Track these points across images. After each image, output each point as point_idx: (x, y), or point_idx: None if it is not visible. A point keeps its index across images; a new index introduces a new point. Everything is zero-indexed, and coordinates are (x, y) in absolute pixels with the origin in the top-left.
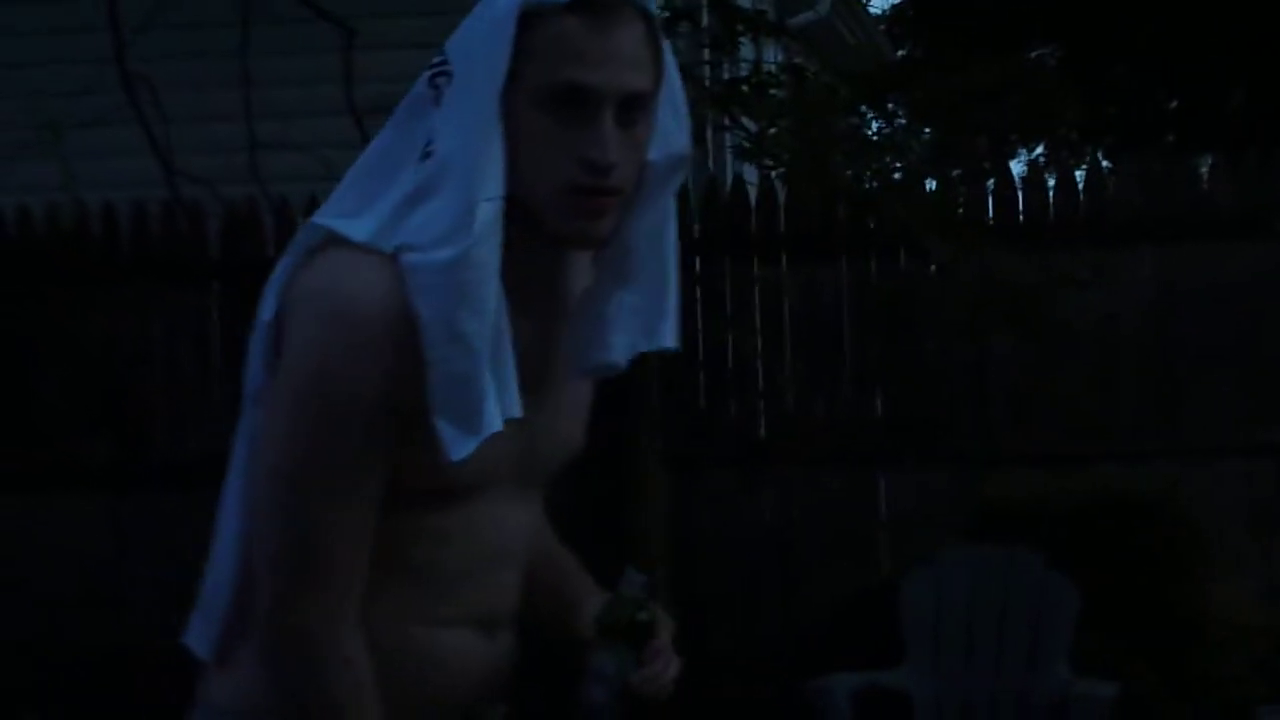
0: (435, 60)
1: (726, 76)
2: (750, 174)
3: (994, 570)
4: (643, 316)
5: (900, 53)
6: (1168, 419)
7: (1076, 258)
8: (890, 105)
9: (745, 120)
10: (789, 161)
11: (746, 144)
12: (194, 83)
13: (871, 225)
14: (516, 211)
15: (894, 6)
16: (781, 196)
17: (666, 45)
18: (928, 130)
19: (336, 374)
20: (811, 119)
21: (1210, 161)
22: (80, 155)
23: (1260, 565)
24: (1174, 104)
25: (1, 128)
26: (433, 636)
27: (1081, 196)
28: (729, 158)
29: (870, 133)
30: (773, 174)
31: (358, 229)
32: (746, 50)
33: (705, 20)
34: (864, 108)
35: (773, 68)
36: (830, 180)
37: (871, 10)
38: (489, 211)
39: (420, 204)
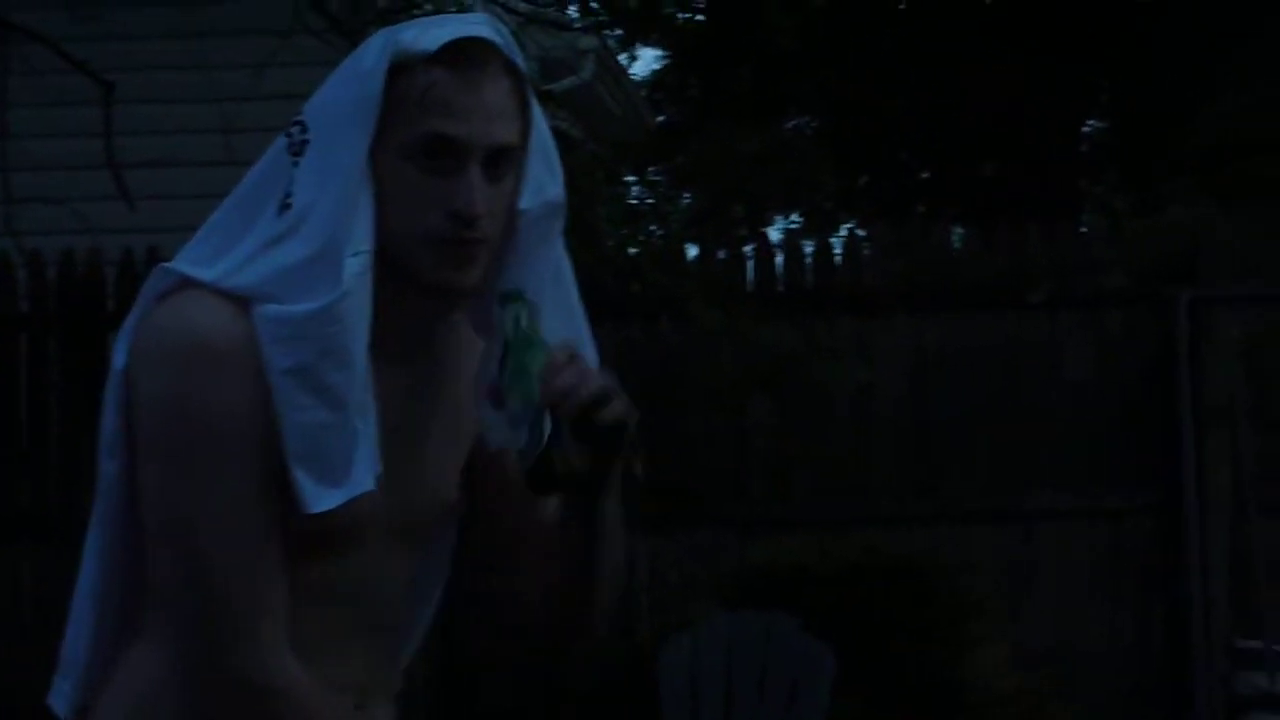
0: (293, 121)
1: None
2: None
3: (752, 636)
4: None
5: (660, 119)
6: (924, 485)
7: (834, 326)
8: (650, 170)
9: None
10: None
11: None
12: None
13: (635, 291)
14: (385, 263)
15: (654, 72)
16: None
17: (533, 98)
18: (687, 196)
19: (197, 410)
20: (578, 185)
21: (963, 232)
22: None
23: (1012, 629)
24: (925, 174)
25: None
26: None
27: (839, 265)
28: None
29: (632, 199)
30: None
31: (207, 272)
32: None
33: None
34: (628, 175)
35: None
36: (595, 247)
37: (633, 76)
38: (356, 265)
39: (274, 250)
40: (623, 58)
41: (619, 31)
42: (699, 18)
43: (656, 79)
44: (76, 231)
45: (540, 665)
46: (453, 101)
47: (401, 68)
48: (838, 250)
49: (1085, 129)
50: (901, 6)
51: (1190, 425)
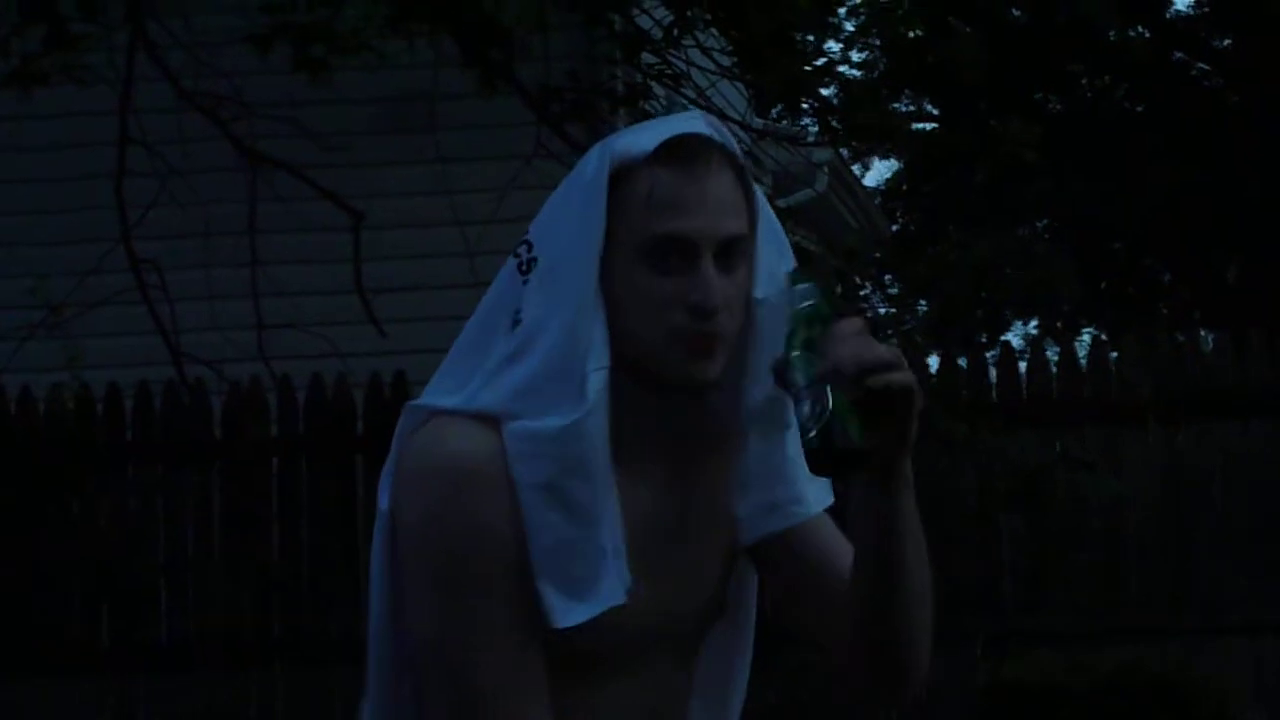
0: (520, 241)
1: None
2: None
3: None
4: (780, 483)
5: (895, 227)
6: (1181, 598)
7: (1083, 437)
8: (886, 278)
9: None
10: None
11: None
12: (201, 261)
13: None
14: (625, 368)
15: (887, 180)
16: None
17: (757, 187)
18: (924, 303)
19: (455, 529)
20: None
21: (1213, 339)
22: (86, 335)
23: None
24: (1168, 277)
25: (6, 308)
26: None
27: (1085, 372)
28: None
29: (870, 309)
30: None
31: (453, 400)
32: None
33: None
34: (864, 284)
35: None
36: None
37: (866, 184)
38: (598, 381)
39: (511, 367)
40: (856, 168)
41: (852, 143)
42: (932, 126)
43: (890, 187)
44: (325, 356)
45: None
46: (678, 198)
47: (623, 173)
48: (1083, 356)
49: None
50: (1140, 110)
51: None
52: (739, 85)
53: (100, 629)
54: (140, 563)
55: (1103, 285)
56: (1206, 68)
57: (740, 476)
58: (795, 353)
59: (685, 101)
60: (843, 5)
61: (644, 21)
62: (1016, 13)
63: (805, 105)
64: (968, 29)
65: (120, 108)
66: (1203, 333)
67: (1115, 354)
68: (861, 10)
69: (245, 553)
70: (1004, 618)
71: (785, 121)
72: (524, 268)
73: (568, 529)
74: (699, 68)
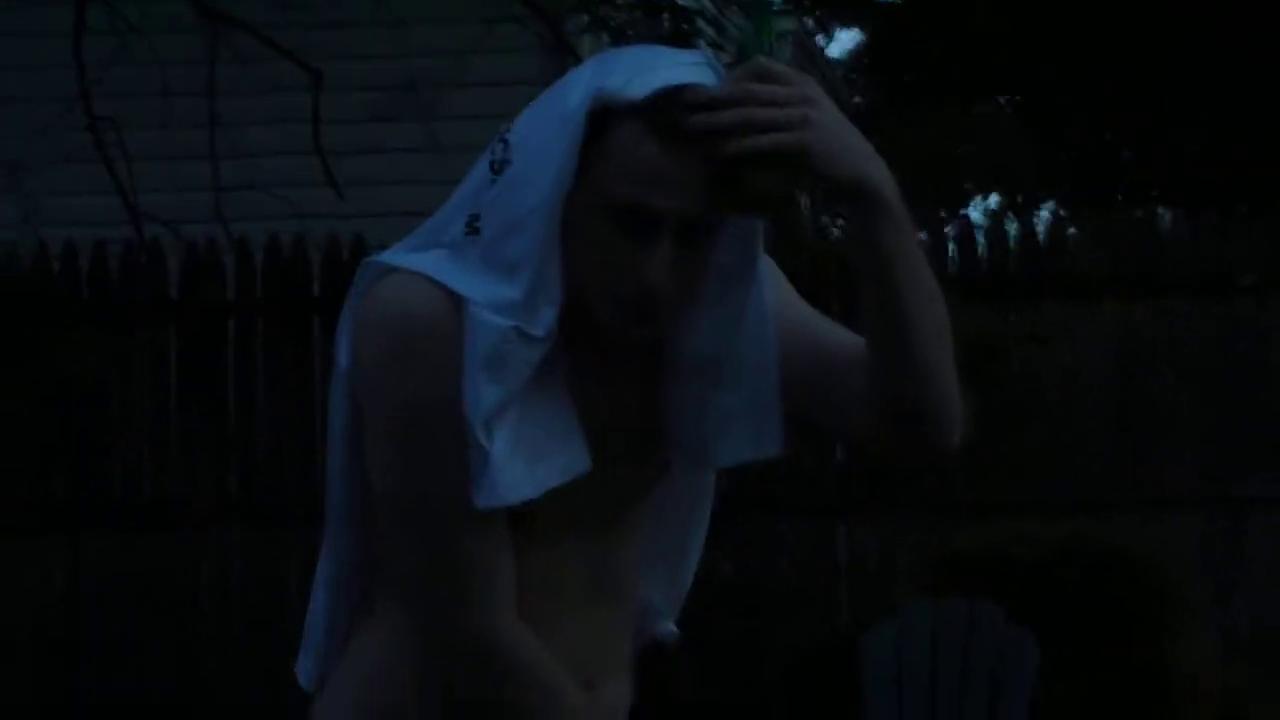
0: (500, 137)
1: None
2: None
3: (956, 624)
4: (745, 421)
5: (857, 99)
6: (1130, 471)
7: (1039, 312)
8: None
9: None
10: None
11: None
12: (159, 122)
13: (833, 276)
14: (574, 296)
15: (851, 53)
16: None
17: None
18: None
19: (417, 374)
20: None
21: (1170, 217)
22: (43, 193)
23: (1219, 618)
24: (1128, 153)
25: None
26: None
27: (1044, 248)
28: None
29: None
30: None
31: (416, 262)
32: None
33: None
34: None
35: None
36: (794, 235)
37: (830, 57)
38: (551, 316)
39: (489, 283)
40: (819, 39)
41: (816, 13)
42: None
43: (853, 60)
44: (282, 217)
45: None
46: (657, 171)
47: (608, 115)
48: (1042, 233)
49: None
50: None
51: None
52: None
53: (54, 487)
54: (96, 422)
55: (1062, 160)
56: None
57: (671, 407)
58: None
59: None
60: None
61: None
62: None
63: None
64: None
65: None
66: (1160, 210)
67: (1073, 230)
68: None
69: (201, 414)
70: (954, 488)
71: None
72: (496, 167)
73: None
74: None
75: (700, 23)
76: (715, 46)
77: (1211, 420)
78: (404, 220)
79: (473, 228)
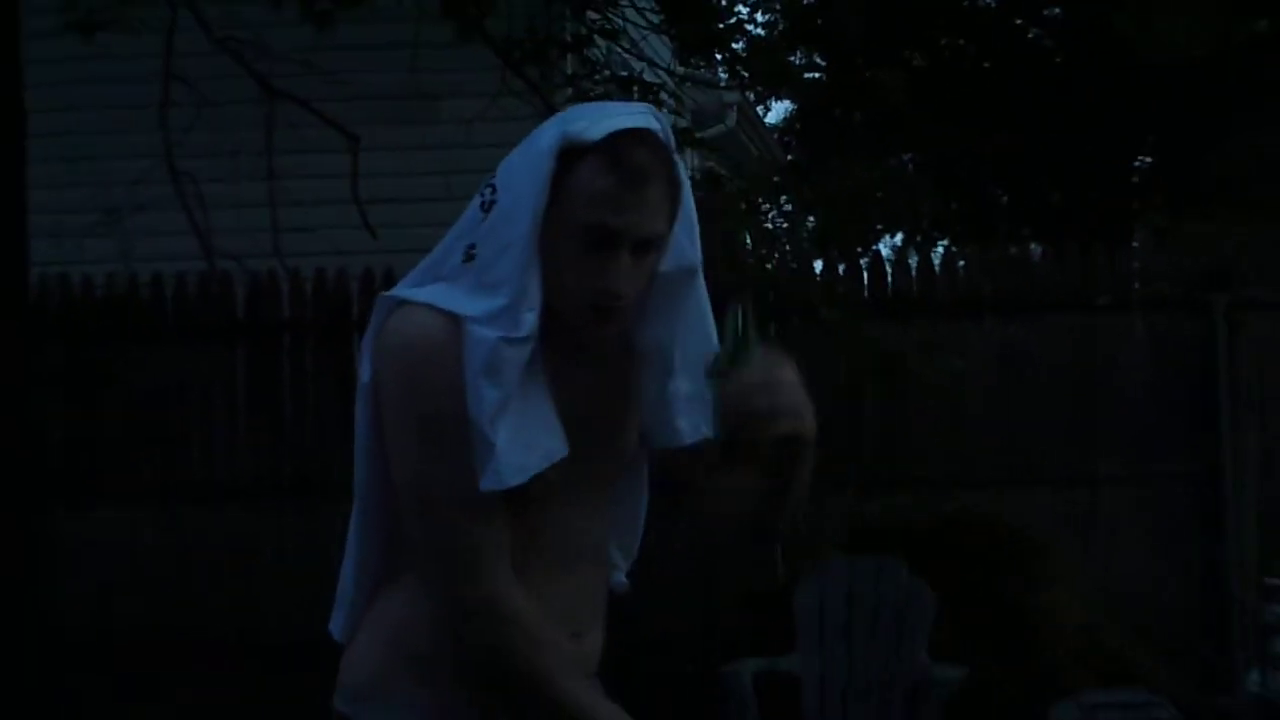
0: (487, 183)
1: None
2: None
3: (868, 577)
4: (700, 401)
5: (790, 156)
6: (1006, 456)
7: (935, 326)
8: (782, 200)
9: None
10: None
11: None
12: (229, 177)
13: (771, 300)
14: (550, 304)
15: (785, 119)
16: None
17: (684, 174)
18: (812, 220)
19: (428, 389)
20: (725, 214)
21: (1039, 251)
22: (136, 234)
23: (1080, 571)
24: (1005, 200)
25: (73, 211)
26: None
27: (939, 276)
28: None
29: (768, 224)
30: None
31: (421, 295)
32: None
33: None
34: (765, 205)
35: (696, 174)
36: (738, 265)
37: (767, 121)
38: (532, 319)
39: (477, 297)
40: (759, 109)
41: (757, 89)
42: (820, 76)
43: (787, 125)
44: (327, 254)
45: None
46: (615, 198)
47: (573, 152)
48: (938, 264)
49: (1136, 164)
50: (987, 66)
51: (1227, 406)
52: (665, 38)
53: (147, 469)
54: (178, 417)
55: (954, 206)
56: (1039, 31)
57: (640, 394)
58: (722, 369)
59: (622, 51)
60: None
61: None
62: None
63: (719, 56)
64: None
65: (165, 51)
66: (1031, 245)
67: (962, 262)
68: None
69: (262, 411)
70: (868, 469)
71: (703, 69)
72: (485, 206)
73: (479, 409)
74: (633, 24)
75: (663, 94)
76: (675, 114)
77: (1072, 414)
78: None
79: (469, 255)
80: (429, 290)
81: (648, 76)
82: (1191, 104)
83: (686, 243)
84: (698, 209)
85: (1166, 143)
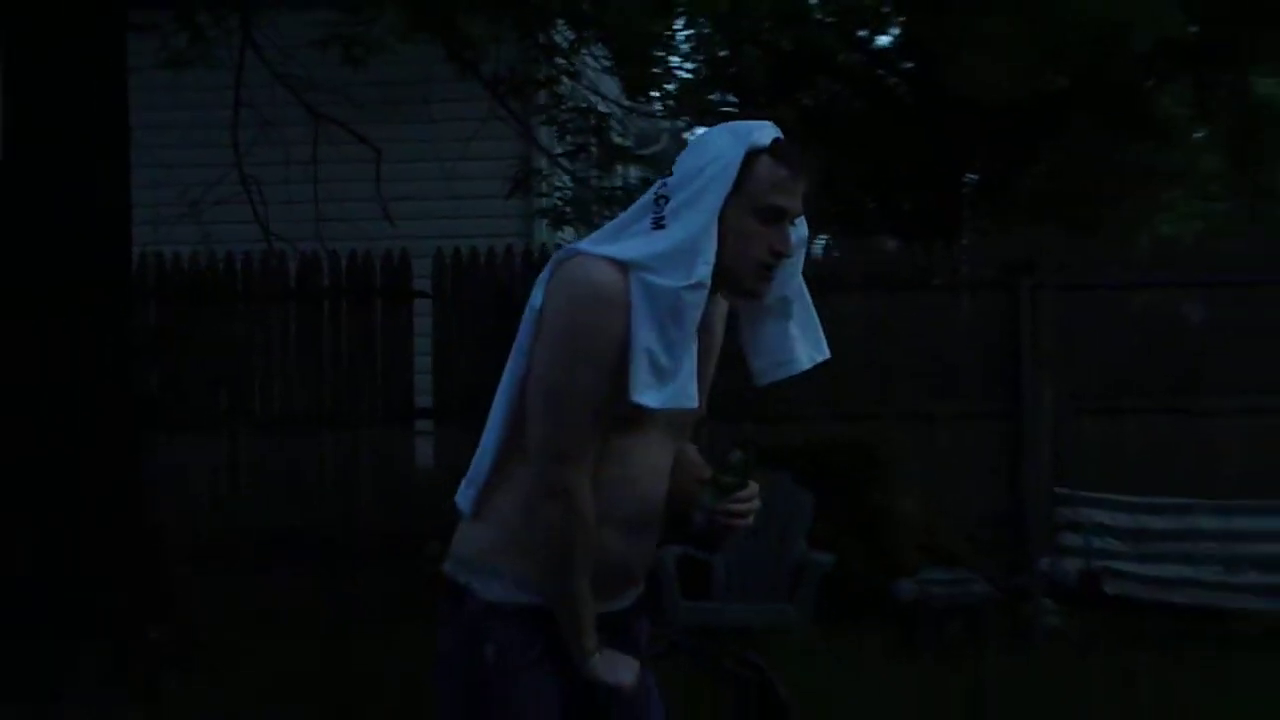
0: (660, 185)
1: (606, 187)
2: None
3: (764, 486)
4: (807, 337)
5: None
6: (871, 398)
7: (819, 301)
8: None
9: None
10: None
11: None
12: (283, 180)
13: None
14: (716, 273)
15: None
16: None
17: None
18: None
19: (583, 326)
20: None
21: (894, 243)
22: (211, 223)
23: (920, 486)
24: (871, 204)
25: (165, 204)
26: (604, 533)
27: (820, 260)
28: None
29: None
30: None
31: (598, 249)
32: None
33: (595, 151)
34: None
35: (637, 183)
36: None
37: None
38: (704, 270)
39: (651, 239)
40: (687, 134)
41: (685, 118)
42: (734, 109)
43: None
44: (358, 239)
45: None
46: (788, 185)
47: (754, 154)
48: (820, 252)
49: (966, 179)
50: (857, 105)
51: (1029, 365)
52: (615, 78)
53: (219, 403)
54: (244, 363)
55: (831, 208)
56: (897, 80)
57: (755, 343)
58: (717, 486)
59: (582, 88)
60: (681, 21)
61: (559, 35)
62: (785, 43)
63: (656, 94)
64: (756, 53)
65: (235, 83)
66: (888, 239)
67: (838, 251)
68: (689, 40)
69: (308, 358)
70: (763, 405)
71: (643, 102)
72: (659, 200)
73: (662, 343)
74: (590, 66)
75: (612, 121)
76: (621, 137)
77: (916, 367)
78: (432, 242)
79: (659, 223)
80: (605, 248)
81: (602, 108)
82: (1008, 136)
83: (803, 224)
84: None
85: (989, 164)
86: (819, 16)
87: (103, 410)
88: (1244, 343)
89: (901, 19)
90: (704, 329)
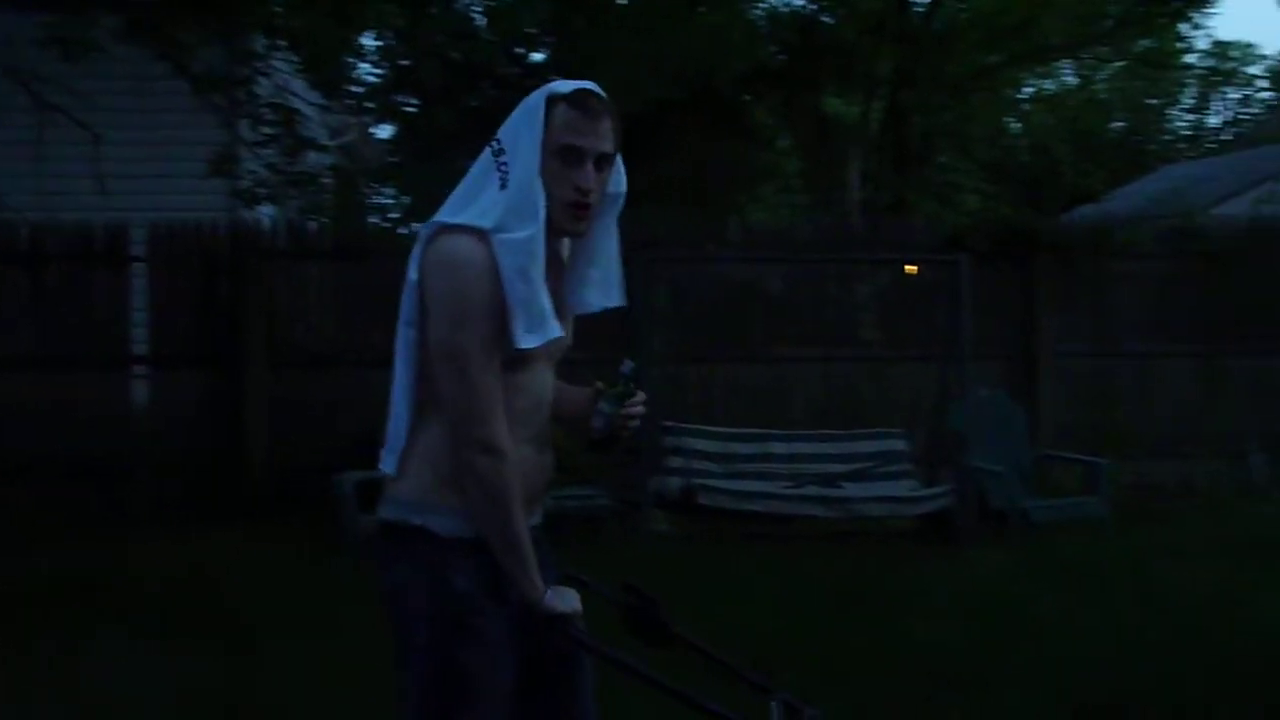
0: (495, 140)
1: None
2: None
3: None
4: (602, 285)
5: (392, 159)
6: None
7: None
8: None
9: None
10: None
11: None
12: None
13: None
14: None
15: (391, 135)
16: None
17: (619, 128)
18: (407, 199)
19: (464, 296)
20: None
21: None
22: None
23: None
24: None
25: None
26: (520, 450)
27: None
28: None
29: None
30: None
31: (459, 218)
32: None
33: (286, 142)
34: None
35: (328, 171)
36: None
37: (379, 136)
38: (542, 214)
39: (498, 204)
40: (372, 129)
41: (372, 114)
42: (415, 109)
43: (393, 139)
44: (81, 210)
45: None
46: (578, 126)
47: (551, 102)
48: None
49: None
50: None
51: (645, 320)
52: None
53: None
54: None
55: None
56: (531, 82)
57: (584, 272)
58: (612, 394)
59: (276, 86)
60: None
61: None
62: (456, 55)
63: (346, 94)
64: (436, 63)
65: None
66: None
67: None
68: (378, 50)
69: (42, 310)
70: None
71: (335, 99)
72: (498, 153)
73: (527, 291)
74: (279, 70)
75: (299, 115)
76: (311, 132)
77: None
78: (149, 214)
79: (504, 183)
80: (464, 215)
81: (296, 105)
82: (636, 136)
83: (620, 176)
84: (332, 194)
85: (624, 158)
86: (486, 36)
87: None
88: (813, 309)
89: (551, 40)
90: (558, 262)
